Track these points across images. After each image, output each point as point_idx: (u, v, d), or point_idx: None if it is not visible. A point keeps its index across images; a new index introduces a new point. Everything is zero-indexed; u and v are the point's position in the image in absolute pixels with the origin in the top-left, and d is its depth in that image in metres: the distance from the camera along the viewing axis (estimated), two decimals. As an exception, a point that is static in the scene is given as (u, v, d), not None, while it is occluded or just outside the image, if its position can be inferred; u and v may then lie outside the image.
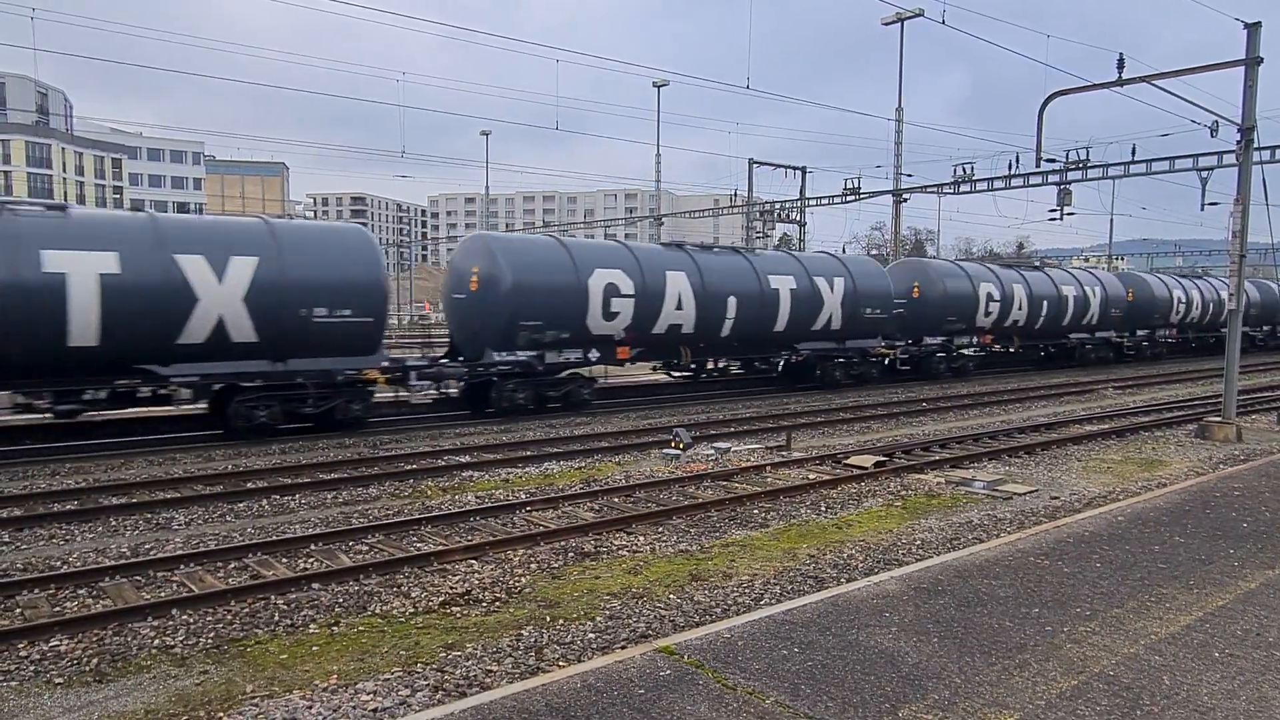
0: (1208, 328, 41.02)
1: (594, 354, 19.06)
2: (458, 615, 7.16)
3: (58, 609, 7.25)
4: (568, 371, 19.24)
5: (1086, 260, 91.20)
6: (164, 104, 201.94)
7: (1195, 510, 10.09)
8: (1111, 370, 32.62)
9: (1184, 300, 38.23)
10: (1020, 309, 29.65)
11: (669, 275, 19.91)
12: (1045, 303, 30.65)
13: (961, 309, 27.79)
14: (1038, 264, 36.71)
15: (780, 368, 24.98)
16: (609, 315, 18.92)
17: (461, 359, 18.31)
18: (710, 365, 23.03)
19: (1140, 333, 36.62)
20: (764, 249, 29.91)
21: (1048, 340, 32.57)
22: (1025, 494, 11.91)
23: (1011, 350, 31.49)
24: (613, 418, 18.72)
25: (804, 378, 24.48)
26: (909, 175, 42.70)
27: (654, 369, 24.06)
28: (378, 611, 7.22)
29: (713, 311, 20.71)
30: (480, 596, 7.57)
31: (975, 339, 28.88)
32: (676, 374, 24.11)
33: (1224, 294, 39.13)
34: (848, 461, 13.56)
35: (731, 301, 21.03)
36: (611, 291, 18.87)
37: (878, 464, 13.24)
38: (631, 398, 22.48)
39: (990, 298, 28.46)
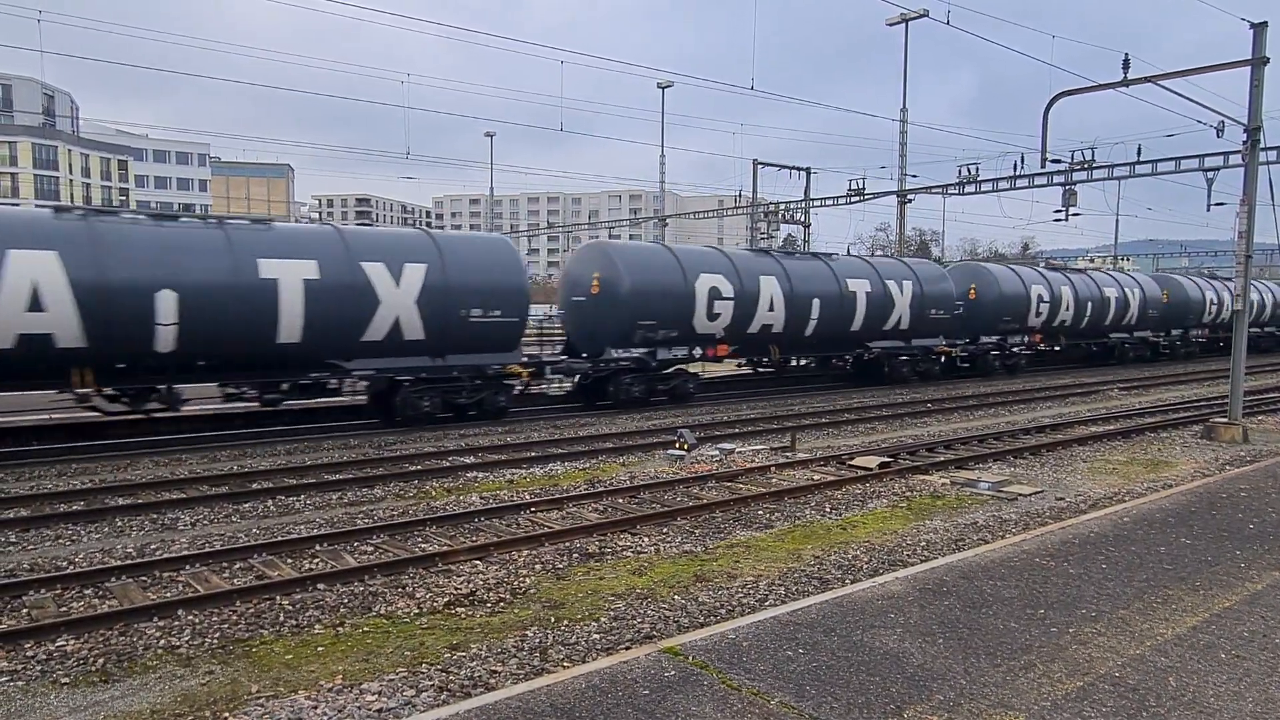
0: (1086, 332, 33.69)
1: None
2: (462, 616, 7.17)
3: (64, 609, 7.27)
4: None
5: (1091, 260, 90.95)
6: (164, 104, 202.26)
7: (1201, 511, 10.07)
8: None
9: (1047, 299, 31.05)
10: (772, 310, 22.22)
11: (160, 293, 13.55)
12: (817, 303, 23.23)
13: (667, 311, 20.29)
14: (811, 252, 27.35)
15: (368, 393, 17.24)
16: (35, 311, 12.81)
17: None
18: (152, 396, 14.79)
19: (986, 339, 29.61)
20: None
21: (829, 352, 25.25)
22: (1030, 495, 11.89)
23: (767, 364, 24.70)
24: (618, 418, 18.71)
25: (394, 409, 16.73)
26: (914, 176, 42.62)
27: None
28: (382, 612, 7.24)
29: (128, 313, 13.61)
30: (485, 597, 7.57)
31: (700, 350, 21.39)
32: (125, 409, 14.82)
33: (1108, 290, 34.47)
34: (852, 462, 13.55)
35: (167, 298, 13.76)
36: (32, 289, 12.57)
37: (882, 465, 13.22)
38: None
39: (716, 295, 21.06)
